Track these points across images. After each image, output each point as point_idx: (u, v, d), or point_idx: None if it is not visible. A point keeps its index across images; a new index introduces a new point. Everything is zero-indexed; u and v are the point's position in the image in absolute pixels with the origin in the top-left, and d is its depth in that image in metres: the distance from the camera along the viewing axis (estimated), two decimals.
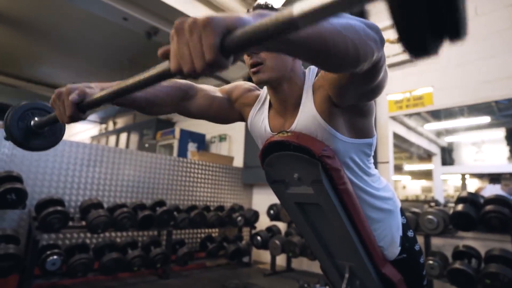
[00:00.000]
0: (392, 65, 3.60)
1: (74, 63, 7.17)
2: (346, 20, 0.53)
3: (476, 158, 7.28)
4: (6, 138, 0.81)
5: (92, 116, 8.76)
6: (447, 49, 3.29)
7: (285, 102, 0.92)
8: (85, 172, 3.23)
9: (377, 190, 0.95)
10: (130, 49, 6.28)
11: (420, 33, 0.25)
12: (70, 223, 2.82)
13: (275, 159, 0.98)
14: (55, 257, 2.54)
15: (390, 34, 3.71)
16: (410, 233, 1.02)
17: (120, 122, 9.01)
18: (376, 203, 0.94)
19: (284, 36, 0.35)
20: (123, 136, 7.63)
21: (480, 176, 7.15)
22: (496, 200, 2.45)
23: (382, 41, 0.58)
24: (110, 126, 9.21)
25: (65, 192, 3.08)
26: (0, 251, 2.15)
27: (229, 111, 1.04)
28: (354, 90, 0.72)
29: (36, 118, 0.79)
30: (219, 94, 1.04)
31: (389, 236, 0.95)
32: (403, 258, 0.97)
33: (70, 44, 6.17)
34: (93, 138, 9.23)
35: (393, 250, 0.96)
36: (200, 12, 4.54)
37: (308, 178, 0.94)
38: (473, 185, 7.58)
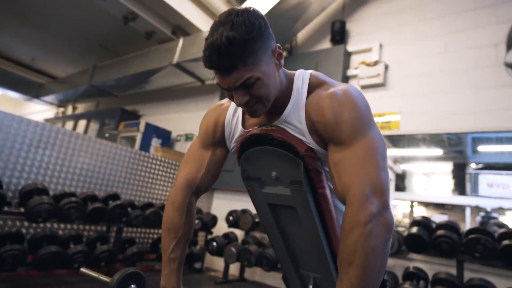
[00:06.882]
0: (364, 87, 3.72)
1: (40, 38, 6.54)
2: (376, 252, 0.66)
3: (425, 188, 7.82)
4: None
5: (50, 97, 8.08)
6: (418, 78, 3.46)
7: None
8: (32, 153, 2.93)
9: None
10: (103, 33, 5.90)
11: None
12: (6, 208, 2.51)
13: (254, 154, 0.91)
14: None
15: (367, 57, 3.86)
16: None
17: (81, 107, 8.43)
18: None
19: None
20: (82, 123, 7.12)
21: (427, 204, 7.63)
22: (447, 225, 2.58)
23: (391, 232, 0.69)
24: (69, 110, 8.59)
25: (5, 173, 2.75)
26: None
27: (223, 152, 1.01)
28: None
29: (132, 286, 0.82)
30: (206, 155, 0.99)
31: None
32: None
33: (38, 16, 5.62)
34: (47, 121, 8.52)
35: None
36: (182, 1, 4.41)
37: (286, 178, 0.89)
38: (419, 212, 8.05)
